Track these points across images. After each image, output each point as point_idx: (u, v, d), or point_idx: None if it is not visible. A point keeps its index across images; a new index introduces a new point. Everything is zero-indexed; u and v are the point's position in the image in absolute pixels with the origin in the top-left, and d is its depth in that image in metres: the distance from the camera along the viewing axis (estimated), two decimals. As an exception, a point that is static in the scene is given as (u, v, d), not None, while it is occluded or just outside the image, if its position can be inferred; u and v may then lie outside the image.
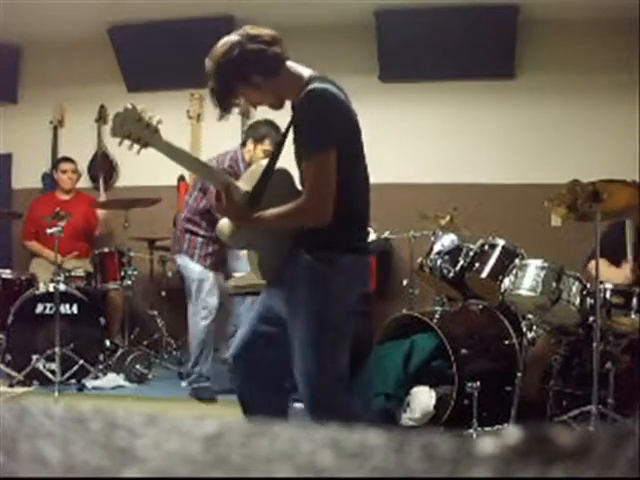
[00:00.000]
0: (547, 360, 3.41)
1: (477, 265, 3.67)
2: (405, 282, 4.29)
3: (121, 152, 6.51)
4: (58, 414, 0.41)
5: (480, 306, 3.80)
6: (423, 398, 3.46)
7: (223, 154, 4.03)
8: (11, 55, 5.85)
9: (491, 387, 3.31)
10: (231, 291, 3.73)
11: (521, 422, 2.97)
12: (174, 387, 4.37)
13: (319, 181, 2.11)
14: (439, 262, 3.81)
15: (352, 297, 2.28)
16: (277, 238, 2.27)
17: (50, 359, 4.14)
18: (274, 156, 2.32)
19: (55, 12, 5.07)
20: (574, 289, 3.18)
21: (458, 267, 3.78)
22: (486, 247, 3.70)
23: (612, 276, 3.43)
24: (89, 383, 4.27)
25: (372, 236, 5.03)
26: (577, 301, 3.17)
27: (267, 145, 3.97)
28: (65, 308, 4.33)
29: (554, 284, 3.16)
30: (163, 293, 5.18)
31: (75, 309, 4.39)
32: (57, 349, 4.02)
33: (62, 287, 4.23)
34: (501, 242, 3.67)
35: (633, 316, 3.13)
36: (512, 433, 0.36)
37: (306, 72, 2.22)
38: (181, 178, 5.67)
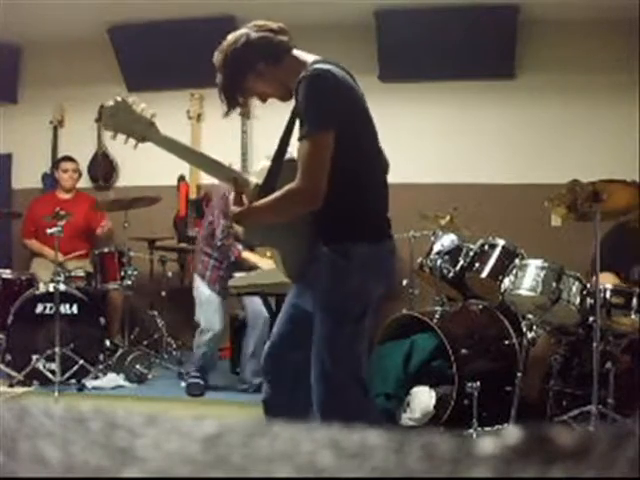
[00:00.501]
0: (547, 360, 3.41)
1: (477, 265, 3.67)
2: (405, 282, 4.29)
3: (121, 152, 6.53)
4: (58, 414, 0.41)
5: (480, 306, 3.80)
6: (423, 398, 3.46)
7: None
8: (11, 55, 5.85)
9: (491, 387, 3.31)
10: (232, 291, 3.73)
11: (521, 422, 2.97)
12: (174, 387, 4.37)
13: (312, 162, 2.02)
14: (439, 262, 3.81)
15: (371, 288, 2.18)
16: (296, 233, 2.20)
17: (50, 359, 4.13)
18: (281, 145, 2.27)
19: (55, 12, 5.07)
20: (574, 289, 3.18)
21: (458, 267, 3.78)
22: (486, 247, 3.70)
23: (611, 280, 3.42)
24: (89, 383, 4.27)
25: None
26: (577, 301, 3.17)
27: None
28: (65, 308, 4.33)
29: (554, 284, 3.16)
30: (163, 293, 5.18)
31: (75, 309, 4.39)
32: (57, 349, 4.02)
33: (62, 287, 4.23)
34: (501, 242, 3.67)
35: (633, 316, 3.13)
36: (512, 433, 0.36)
37: (311, 58, 2.20)
38: (181, 178, 5.68)
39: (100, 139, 5.79)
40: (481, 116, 5.32)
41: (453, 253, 3.83)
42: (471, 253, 3.75)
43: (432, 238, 3.99)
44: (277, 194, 2.10)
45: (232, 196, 2.20)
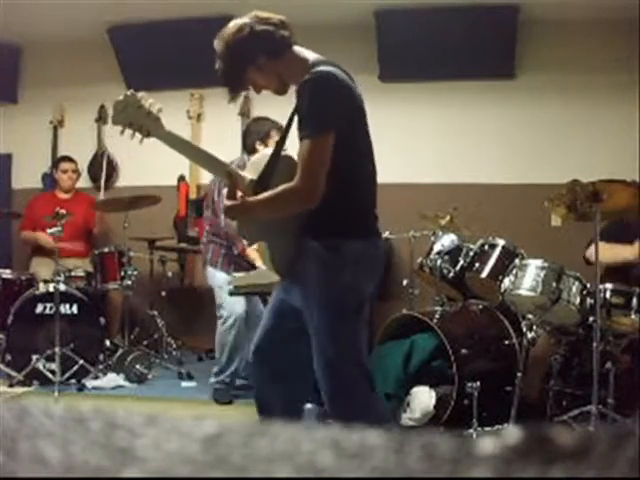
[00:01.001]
0: (547, 360, 3.41)
1: (477, 265, 3.67)
2: (405, 282, 4.29)
3: (121, 152, 6.53)
4: (58, 414, 0.41)
5: (480, 306, 3.80)
6: (423, 398, 3.46)
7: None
8: (11, 55, 5.85)
9: (491, 387, 3.31)
10: (232, 291, 3.73)
11: (521, 422, 2.97)
12: (174, 387, 4.37)
13: (312, 162, 2.06)
14: (439, 262, 3.81)
15: (363, 283, 2.22)
16: (285, 228, 2.22)
17: (50, 359, 4.14)
18: (280, 142, 2.30)
19: (55, 12, 5.07)
20: (574, 289, 3.18)
21: (458, 267, 3.78)
22: (486, 247, 3.70)
23: (618, 251, 3.43)
24: (89, 383, 4.27)
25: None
26: (577, 301, 3.17)
27: (277, 138, 3.96)
28: (65, 308, 4.33)
29: (554, 284, 3.16)
30: (163, 293, 5.18)
31: (75, 309, 4.39)
32: (57, 349, 4.02)
33: (62, 287, 4.23)
34: (501, 242, 3.67)
35: (633, 316, 3.13)
36: (512, 433, 0.36)
37: (311, 56, 2.22)
38: (181, 178, 5.68)
39: (100, 139, 5.79)
40: (481, 116, 5.32)
41: (453, 253, 3.83)
42: (471, 253, 3.76)
43: (432, 238, 3.99)
44: (275, 191, 2.12)
45: (225, 191, 2.23)
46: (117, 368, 4.44)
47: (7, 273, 4.72)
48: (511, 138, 5.31)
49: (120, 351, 4.57)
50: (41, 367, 4.19)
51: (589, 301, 3.15)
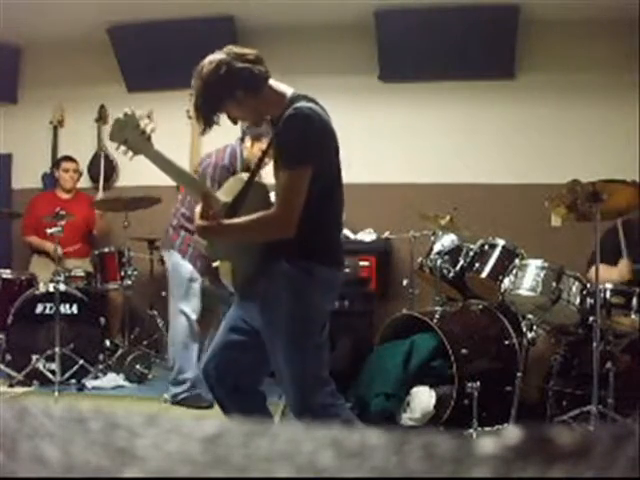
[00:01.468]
0: (547, 360, 3.41)
1: (477, 265, 3.67)
2: (405, 282, 4.29)
3: (121, 152, 6.46)
4: (58, 414, 0.41)
5: (480, 306, 3.80)
6: (423, 398, 3.46)
7: (222, 149, 3.90)
8: (11, 55, 5.85)
9: (491, 387, 3.31)
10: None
11: (521, 422, 2.97)
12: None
13: (290, 193, 2.16)
14: (439, 262, 3.81)
15: (327, 307, 2.36)
16: (251, 248, 2.32)
17: (50, 359, 4.13)
18: (255, 171, 2.43)
19: (55, 12, 5.07)
20: (574, 289, 3.18)
21: (458, 267, 3.78)
22: (486, 247, 3.70)
23: (607, 275, 3.43)
24: (89, 383, 4.27)
25: (372, 236, 5.04)
26: (577, 301, 3.17)
27: (264, 144, 3.92)
28: (65, 308, 4.33)
29: (554, 284, 3.16)
30: (163, 293, 5.18)
31: (75, 309, 4.39)
32: (57, 349, 4.02)
33: (62, 287, 4.23)
34: (501, 242, 3.68)
35: (633, 316, 3.13)
36: (512, 433, 0.36)
37: (289, 91, 2.30)
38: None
39: (100, 139, 5.78)
40: (481, 116, 5.32)
41: (453, 253, 3.83)
42: (471, 253, 3.76)
43: (432, 238, 3.99)
44: (253, 217, 2.20)
45: (198, 209, 2.27)
46: (117, 368, 4.44)
47: (7, 273, 4.72)
48: (511, 138, 5.30)
49: (120, 351, 4.57)
50: (41, 367, 4.18)
51: (589, 301, 3.15)
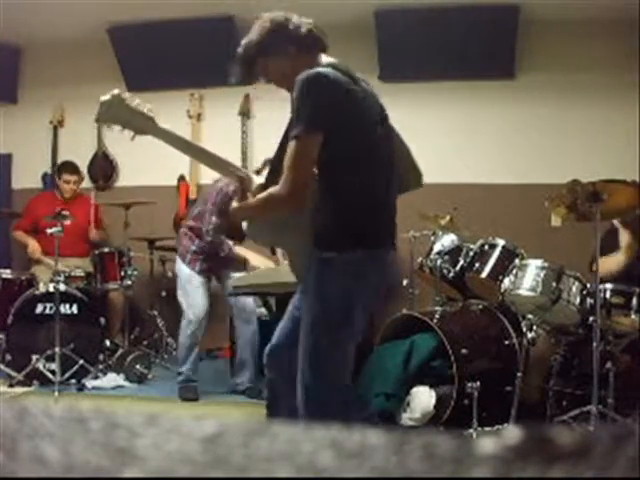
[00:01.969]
0: (547, 360, 3.41)
1: (477, 265, 3.67)
2: (405, 282, 4.29)
3: (121, 152, 6.51)
4: (58, 414, 0.41)
5: (480, 306, 3.80)
6: (423, 398, 3.46)
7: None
8: (11, 55, 5.85)
9: (491, 387, 3.30)
10: (231, 291, 3.73)
11: (521, 422, 2.97)
12: (174, 387, 4.36)
13: (293, 165, 1.99)
14: (439, 262, 3.81)
15: (355, 298, 2.12)
16: (299, 235, 2.17)
17: (50, 359, 4.13)
18: (281, 146, 2.22)
19: (55, 12, 5.07)
20: (574, 289, 3.18)
21: (458, 267, 3.78)
22: (486, 247, 3.70)
23: (607, 266, 3.44)
24: (89, 383, 4.27)
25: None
26: (577, 301, 3.17)
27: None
28: (65, 308, 4.33)
29: (554, 284, 3.16)
30: (163, 293, 5.19)
31: (75, 309, 4.39)
32: (57, 349, 4.02)
33: (62, 287, 4.23)
34: (501, 242, 3.67)
35: (633, 316, 3.13)
36: (512, 433, 0.36)
37: (326, 60, 2.21)
38: (181, 178, 5.68)
39: (100, 139, 5.78)
40: (481, 116, 5.32)
41: (453, 253, 3.83)
42: (471, 253, 3.75)
43: (432, 238, 3.99)
44: (263, 195, 2.11)
45: (236, 192, 2.23)
46: (117, 368, 4.44)
47: (7, 273, 4.72)
48: (511, 138, 5.30)
49: (120, 351, 4.56)
50: (41, 367, 4.18)
51: (589, 301, 3.15)
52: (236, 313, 4.25)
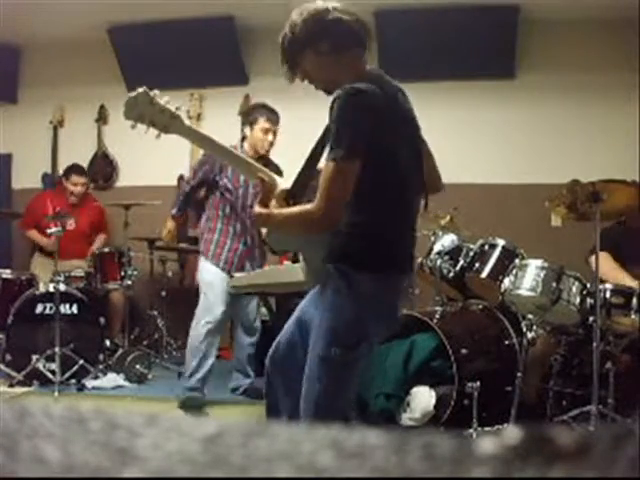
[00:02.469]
0: (547, 360, 3.41)
1: (477, 265, 3.67)
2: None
3: (121, 152, 6.51)
4: (58, 414, 0.41)
5: (480, 306, 3.80)
6: (423, 398, 3.45)
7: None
8: (11, 55, 5.85)
9: (491, 387, 3.30)
10: (231, 291, 3.72)
11: (521, 422, 2.97)
12: (174, 387, 4.36)
13: (332, 188, 1.93)
14: (439, 262, 3.80)
15: (368, 322, 2.05)
16: (318, 244, 2.10)
17: (50, 359, 4.13)
18: (312, 155, 2.16)
19: (55, 12, 5.07)
20: (574, 289, 3.18)
21: (458, 267, 3.78)
22: (486, 247, 3.70)
23: (620, 277, 3.43)
24: (89, 383, 4.27)
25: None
26: (577, 301, 3.17)
27: (263, 122, 3.84)
28: (65, 308, 4.33)
29: (554, 284, 3.16)
30: (163, 293, 5.18)
31: (75, 309, 4.39)
32: (57, 349, 4.02)
33: (62, 287, 4.23)
34: (501, 242, 3.67)
35: (633, 316, 3.14)
36: (512, 433, 0.36)
37: (368, 68, 2.14)
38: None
39: (100, 139, 5.79)
40: (481, 116, 5.32)
41: (453, 253, 3.82)
42: (471, 253, 3.75)
43: (432, 238, 3.99)
44: (294, 210, 2.06)
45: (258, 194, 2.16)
46: (117, 368, 4.44)
47: (7, 273, 4.72)
48: (511, 138, 5.30)
49: (120, 351, 4.56)
50: (41, 367, 4.18)
51: (589, 301, 3.15)
52: (236, 324, 4.22)
